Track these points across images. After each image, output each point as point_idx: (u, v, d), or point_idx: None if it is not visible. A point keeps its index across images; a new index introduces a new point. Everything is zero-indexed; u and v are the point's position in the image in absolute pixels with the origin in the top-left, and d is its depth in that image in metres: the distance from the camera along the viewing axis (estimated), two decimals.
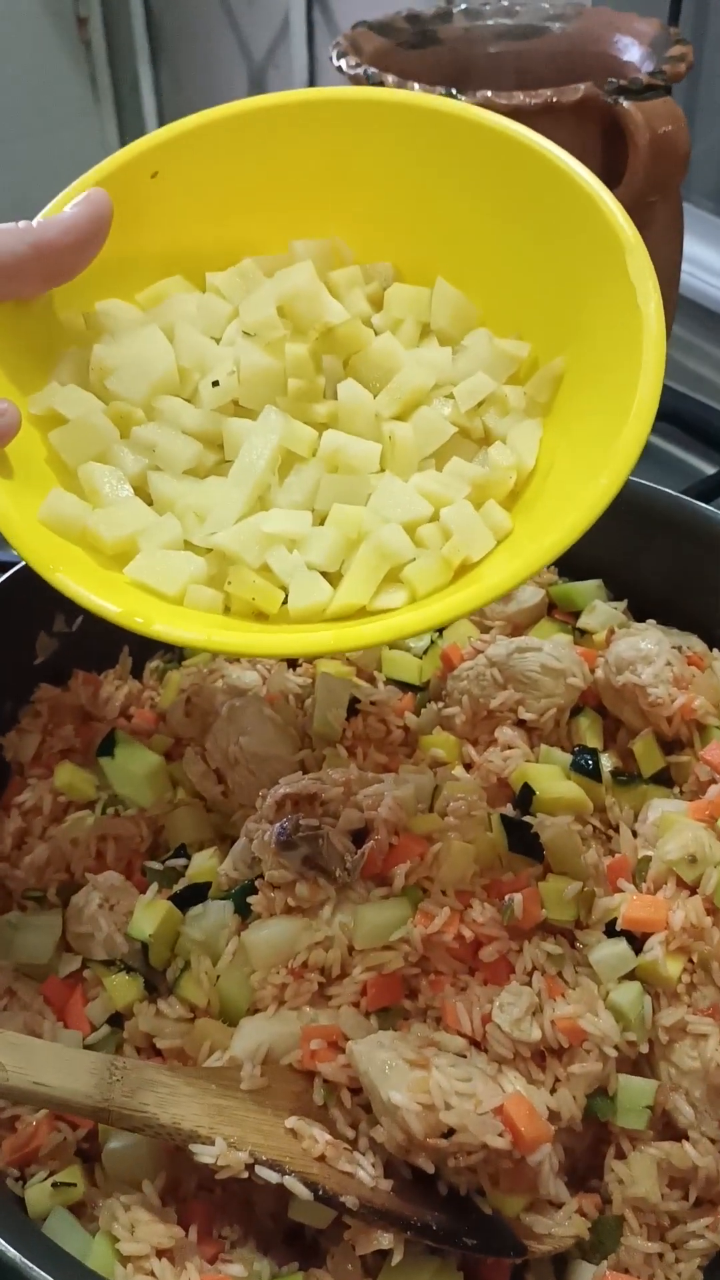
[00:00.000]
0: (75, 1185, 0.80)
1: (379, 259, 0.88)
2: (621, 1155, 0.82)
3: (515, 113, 1.10)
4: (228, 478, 0.80)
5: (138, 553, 0.78)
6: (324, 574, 0.77)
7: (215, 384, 0.81)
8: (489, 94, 1.12)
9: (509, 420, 0.83)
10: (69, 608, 1.07)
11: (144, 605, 0.75)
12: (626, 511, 1.11)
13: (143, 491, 0.81)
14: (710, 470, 1.48)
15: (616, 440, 0.73)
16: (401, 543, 0.76)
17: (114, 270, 0.83)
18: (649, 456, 1.66)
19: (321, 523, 0.79)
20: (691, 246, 1.74)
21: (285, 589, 0.77)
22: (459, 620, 0.78)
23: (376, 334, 0.86)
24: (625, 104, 1.13)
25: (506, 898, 0.86)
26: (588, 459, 0.75)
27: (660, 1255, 0.81)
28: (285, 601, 0.77)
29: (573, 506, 0.73)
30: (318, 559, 0.77)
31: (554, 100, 1.12)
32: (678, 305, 1.44)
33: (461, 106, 0.85)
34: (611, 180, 1.18)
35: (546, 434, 0.82)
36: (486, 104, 1.12)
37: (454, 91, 1.11)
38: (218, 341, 0.84)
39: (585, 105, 1.14)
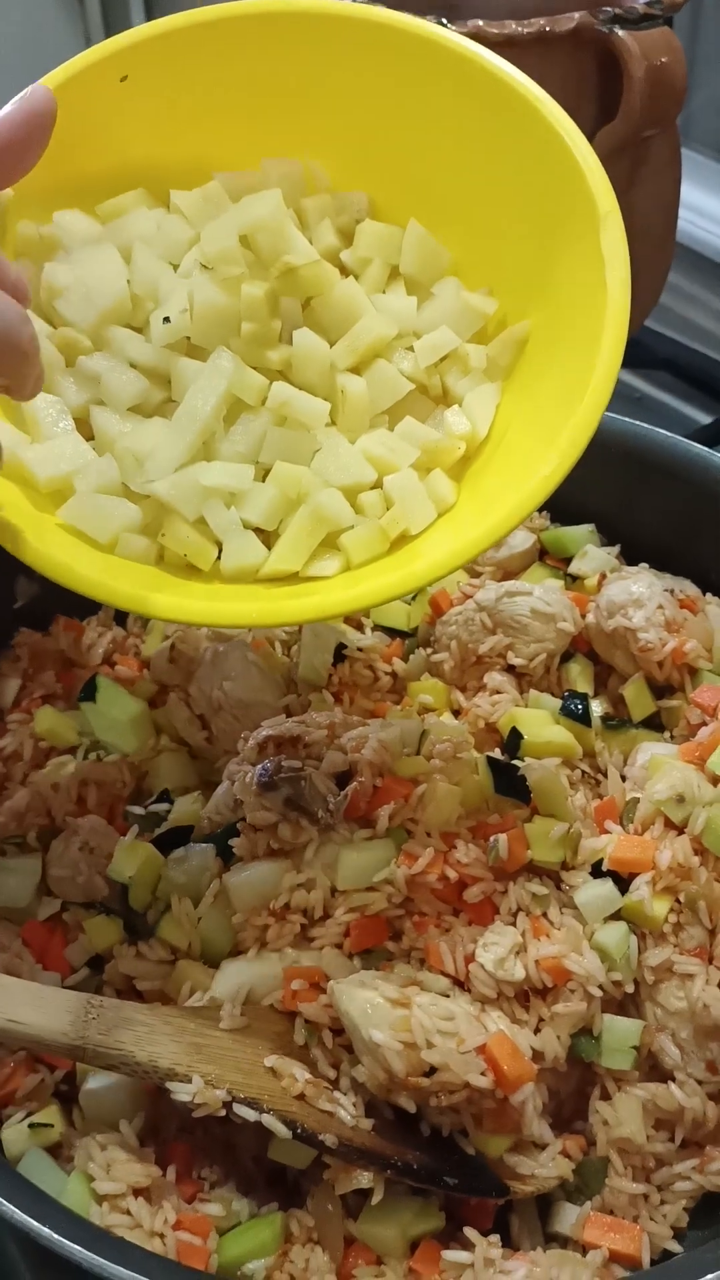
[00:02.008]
0: (52, 1126, 0.79)
1: (354, 188, 0.86)
2: (606, 1096, 0.81)
3: (508, 42, 1.09)
4: (172, 421, 0.78)
5: (73, 493, 0.76)
6: (262, 531, 0.76)
7: (166, 320, 0.79)
8: (480, 23, 1.09)
9: (468, 381, 0.81)
10: None
11: (70, 552, 0.74)
12: (621, 455, 1.12)
13: (84, 426, 0.79)
14: (707, 419, 1.46)
15: (567, 422, 0.72)
16: (340, 509, 0.75)
17: (76, 179, 0.81)
18: (645, 405, 1.63)
19: (265, 476, 0.78)
20: (693, 194, 1.71)
21: (220, 544, 0.76)
22: (392, 600, 0.77)
23: (343, 272, 0.83)
24: (621, 34, 1.11)
25: (492, 839, 0.84)
26: (539, 436, 0.74)
27: (645, 1197, 0.80)
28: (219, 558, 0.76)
29: (518, 488, 0.72)
30: (255, 517, 0.76)
31: (547, 29, 1.10)
32: (674, 253, 1.41)
33: (452, 38, 0.82)
34: (607, 114, 1.17)
35: (504, 399, 0.81)
36: (478, 32, 1.09)
37: (444, 21, 1.08)
38: (176, 269, 0.82)
39: (580, 35, 1.11)
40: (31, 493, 0.76)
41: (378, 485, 0.78)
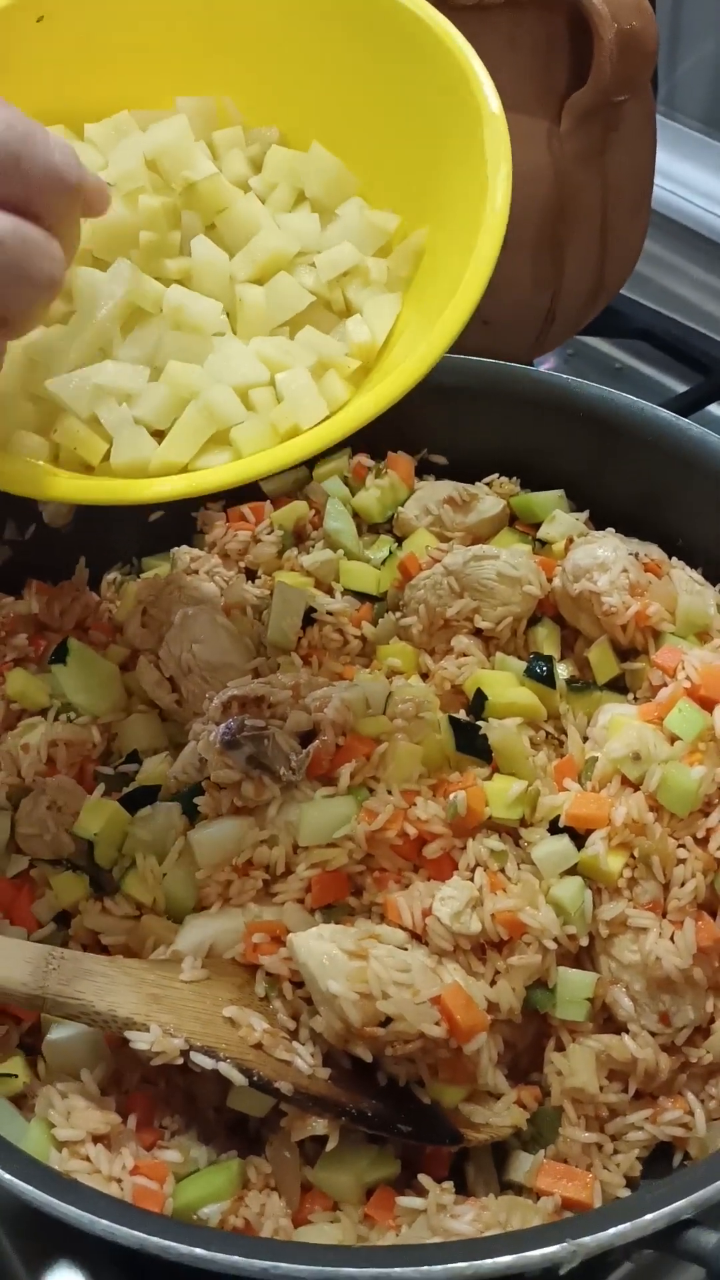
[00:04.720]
0: (16, 1076, 0.80)
1: (267, 124, 0.88)
2: (561, 1048, 0.83)
3: (478, 5, 1.09)
4: (68, 325, 0.79)
5: None
6: (155, 432, 0.77)
7: None
8: None
9: (368, 293, 0.82)
10: (20, 514, 1.08)
11: None
12: (591, 422, 1.12)
13: None
14: (685, 389, 1.46)
15: (443, 311, 0.73)
16: (230, 405, 0.76)
17: None
18: (624, 375, 1.63)
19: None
20: (675, 164, 1.72)
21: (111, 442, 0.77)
22: (265, 475, 0.79)
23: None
24: None
25: (451, 796, 0.86)
26: (420, 331, 0.75)
27: (599, 1146, 0.81)
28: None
29: (394, 371, 0.74)
30: (146, 414, 0.77)
31: None
32: (654, 222, 1.41)
33: None
34: (579, 79, 1.17)
35: (404, 308, 0.82)
36: None
37: None
38: None
39: None
40: None
41: (270, 385, 0.79)
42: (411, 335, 0.79)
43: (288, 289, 0.81)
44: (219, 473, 0.76)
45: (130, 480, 0.76)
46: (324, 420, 0.77)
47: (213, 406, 0.76)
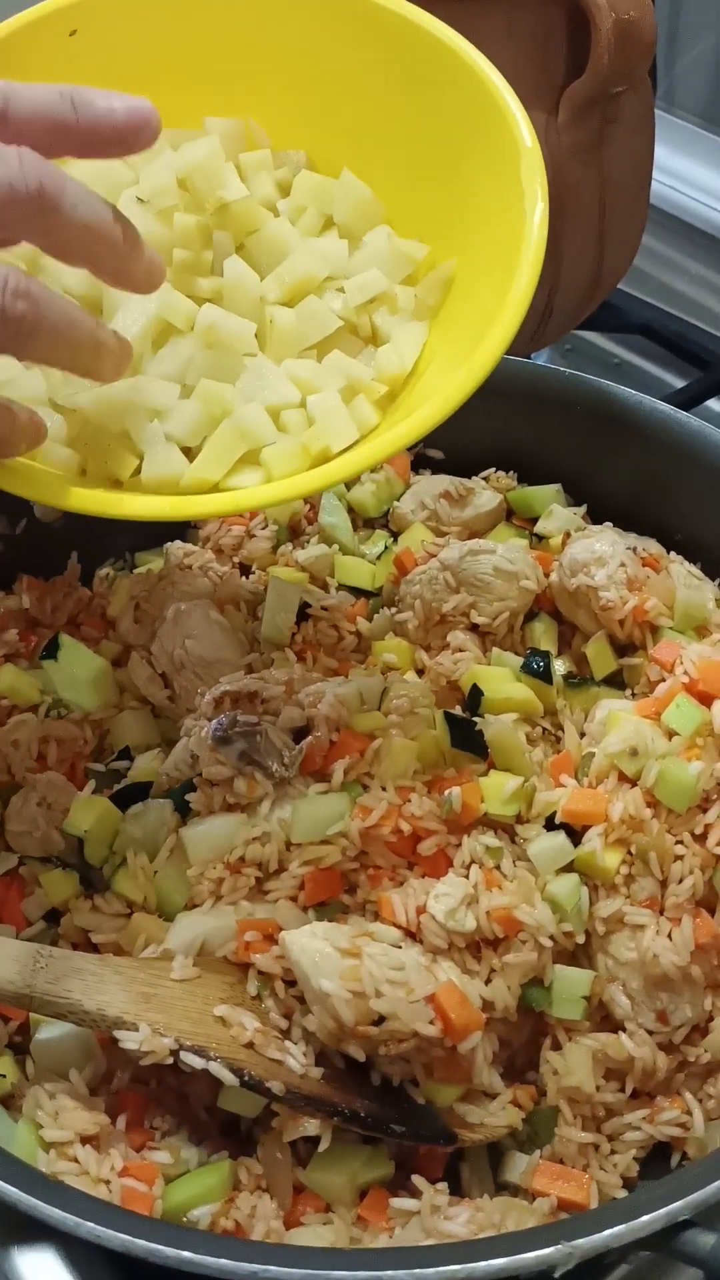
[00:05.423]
0: (4, 1076, 0.79)
1: (294, 147, 0.88)
2: (557, 1046, 0.82)
3: None
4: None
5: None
6: (186, 449, 0.76)
7: None
8: None
9: (397, 320, 0.82)
10: (11, 510, 1.07)
11: None
12: (589, 415, 1.11)
13: None
14: (683, 385, 1.45)
15: (480, 342, 0.73)
16: (262, 424, 0.76)
17: None
18: (622, 370, 1.63)
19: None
20: (676, 160, 1.71)
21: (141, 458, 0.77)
22: (301, 497, 0.79)
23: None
24: None
25: (446, 792, 0.85)
26: (455, 360, 0.75)
27: (596, 1146, 0.80)
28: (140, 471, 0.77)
29: (432, 398, 0.74)
30: (177, 431, 0.76)
31: None
32: (653, 217, 1.40)
33: None
34: (577, 71, 1.16)
35: (431, 336, 0.82)
36: None
37: None
38: None
39: None
40: None
41: (301, 406, 0.79)
42: (440, 365, 0.79)
43: (318, 312, 0.81)
44: (259, 492, 0.76)
45: (181, 499, 0.75)
46: (357, 443, 0.77)
47: (244, 424, 0.76)
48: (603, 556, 1.00)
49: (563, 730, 0.95)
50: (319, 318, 0.81)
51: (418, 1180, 0.76)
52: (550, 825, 0.86)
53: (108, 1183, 0.73)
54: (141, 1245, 0.63)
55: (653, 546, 1.05)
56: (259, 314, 0.81)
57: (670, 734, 0.87)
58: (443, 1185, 0.76)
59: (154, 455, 0.76)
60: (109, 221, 0.70)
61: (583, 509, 1.10)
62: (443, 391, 0.74)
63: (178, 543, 1.10)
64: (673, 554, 1.05)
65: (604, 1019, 0.83)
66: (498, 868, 0.83)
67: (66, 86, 0.70)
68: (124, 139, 0.72)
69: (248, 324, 0.80)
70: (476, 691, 0.94)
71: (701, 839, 0.83)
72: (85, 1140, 0.75)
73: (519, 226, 0.76)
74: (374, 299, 0.82)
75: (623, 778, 0.86)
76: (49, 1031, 0.80)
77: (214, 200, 0.81)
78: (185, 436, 0.77)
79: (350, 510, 1.12)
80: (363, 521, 1.13)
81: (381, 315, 0.83)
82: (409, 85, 0.83)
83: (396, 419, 0.78)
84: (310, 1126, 0.76)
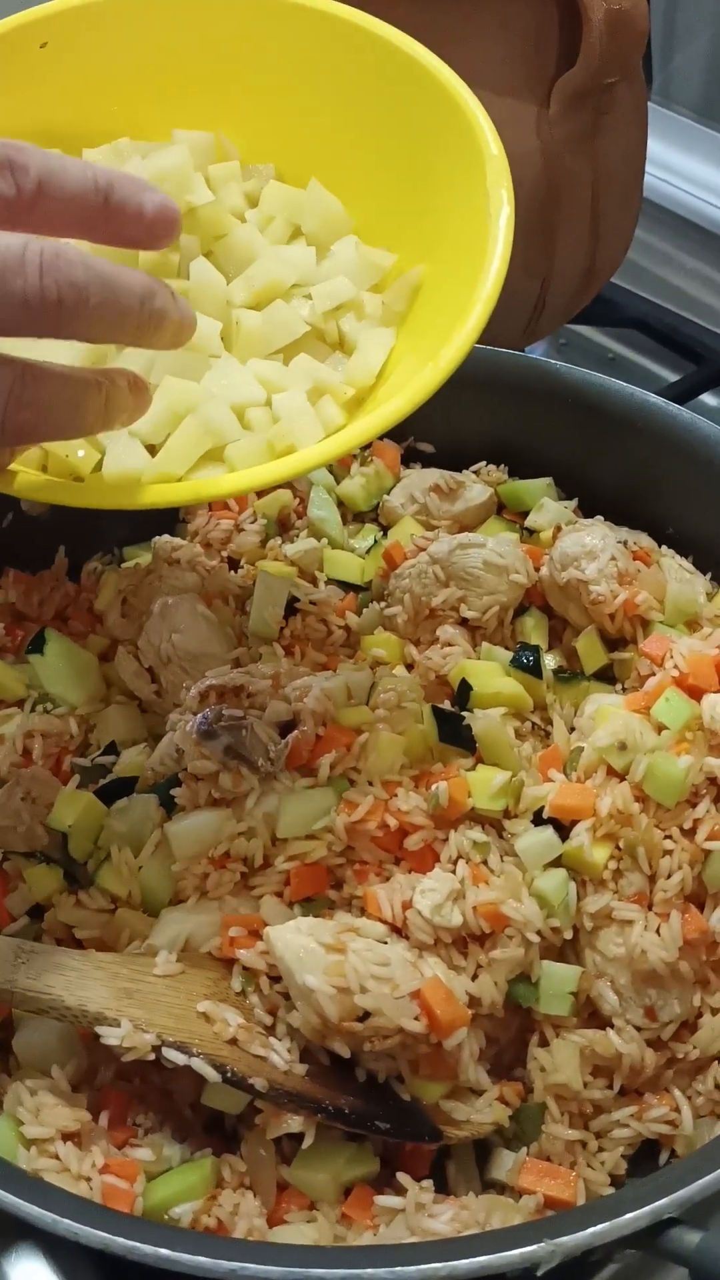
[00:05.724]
0: None
1: (263, 160, 0.88)
2: (544, 1043, 0.81)
3: None
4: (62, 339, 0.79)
5: None
6: (150, 446, 0.76)
7: None
8: None
9: (364, 326, 0.83)
10: None
11: None
12: (580, 408, 1.10)
13: None
14: (678, 379, 1.45)
15: (445, 344, 0.74)
16: (227, 421, 0.76)
17: None
18: (617, 365, 1.62)
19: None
20: (672, 154, 1.70)
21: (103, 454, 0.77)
22: (266, 485, 0.81)
23: None
24: None
25: (433, 786, 0.84)
26: (425, 358, 0.75)
27: (583, 1144, 0.79)
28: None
29: (398, 394, 0.74)
30: (141, 427, 0.76)
31: None
32: (647, 211, 1.39)
33: (350, 11, 0.86)
34: (570, 63, 1.15)
35: (399, 342, 0.82)
36: None
37: None
38: None
39: None
40: None
41: (267, 405, 0.78)
42: (406, 369, 0.79)
43: (285, 316, 0.81)
44: (222, 481, 0.76)
45: (146, 489, 0.75)
46: (324, 439, 0.77)
47: (209, 421, 0.76)
48: (593, 550, 0.99)
49: (552, 725, 0.95)
50: (286, 322, 0.81)
51: (403, 1178, 0.76)
52: (538, 820, 0.85)
53: (88, 1180, 0.72)
54: (120, 1243, 0.63)
55: (644, 540, 1.04)
56: (225, 316, 0.81)
57: (659, 728, 0.86)
58: (428, 1183, 0.76)
59: (115, 450, 0.76)
60: (134, 310, 0.69)
61: (574, 503, 1.09)
62: (409, 387, 0.74)
63: (166, 537, 1.10)
64: (664, 548, 1.05)
65: (592, 1015, 0.82)
66: (485, 863, 0.83)
67: (102, 175, 0.70)
68: (146, 240, 0.73)
69: (213, 323, 0.80)
70: (465, 686, 0.93)
71: (690, 834, 0.82)
72: (66, 1137, 0.74)
73: (484, 231, 0.76)
74: (341, 305, 0.83)
75: (611, 772, 0.85)
76: (31, 1028, 0.80)
77: (182, 204, 0.80)
78: (148, 433, 0.77)
79: (340, 504, 1.12)
80: (352, 515, 1.12)
81: (349, 321, 0.83)
82: (376, 97, 0.84)
83: (359, 415, 0.78)
84: (294, 1123, 0.75)
